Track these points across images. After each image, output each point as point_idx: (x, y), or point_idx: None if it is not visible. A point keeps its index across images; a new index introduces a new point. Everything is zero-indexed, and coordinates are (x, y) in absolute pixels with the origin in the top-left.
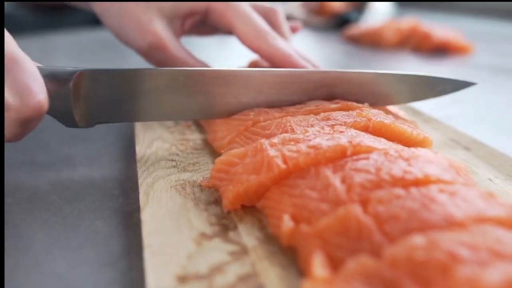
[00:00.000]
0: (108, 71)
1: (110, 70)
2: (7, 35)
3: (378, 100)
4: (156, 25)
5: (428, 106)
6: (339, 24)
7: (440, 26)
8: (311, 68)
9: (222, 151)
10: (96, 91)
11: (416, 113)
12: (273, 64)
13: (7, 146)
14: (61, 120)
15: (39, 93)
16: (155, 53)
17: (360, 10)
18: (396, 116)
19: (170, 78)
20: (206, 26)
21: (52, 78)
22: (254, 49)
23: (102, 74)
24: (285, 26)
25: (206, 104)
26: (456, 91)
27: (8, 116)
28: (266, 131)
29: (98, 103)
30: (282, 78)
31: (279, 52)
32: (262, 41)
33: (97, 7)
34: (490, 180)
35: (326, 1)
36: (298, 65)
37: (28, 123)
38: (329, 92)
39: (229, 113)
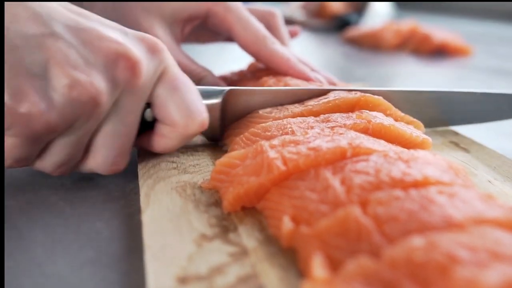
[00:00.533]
0: (251, 90)
1: (253, 89)
2: (170, 55)
3: (460, 119)
4: (157, 30)
5: None
6: (339, 26)
7: (439, 28)
8: (308, 73)
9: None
10: (240, 107)
11: None
12: (271, 68)
13: None
14: (207, 134)
15: (203, 111)
16: None
17: (360, 12)
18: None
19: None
20: (205, 32)
21: (205, 96)
22: (253, 53)
23: (247, 92)
24: (284, 29)
25: None
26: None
27: (173, 130)
28: (267, 133)
29: (238, 118)
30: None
31: (278, 56)
32: (261, 45)
33: (97, 13)
34: (489, 181)
35: (327, 1)
36: (295, 69)
37: (187, 139)
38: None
39: None
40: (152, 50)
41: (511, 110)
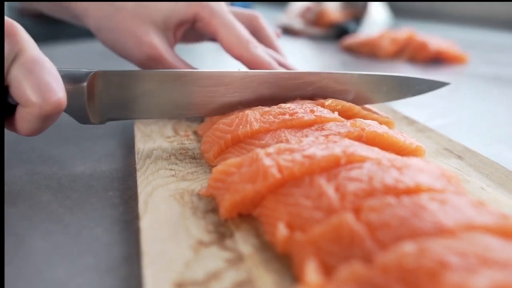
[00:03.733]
0: (118, 72)
1: (120, 72)
2: (29, 39)
3: (358, 100)
4: (151, 37)
5: (422, 115)
6: (337, 34)
7: (435, 36)
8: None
9: (212, 163)
10: (107, 90)
11: (411, 122)
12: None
13: (10, 156)
14: (76, 117)
15: (59, 91)
16: (152, 64)
17: (357, 21)
18: (371, 111)
19: (172, 78)
20: (190, 33)
21: (69, 79)
22: (236, 56)
23: (113, 75)
24: (269, 29)
25: (200, 102)
26: (431, 91)
27: (30, 111)
28: (261, 142)
29: (109, 101)
30: (263, 79)
31: (259, 60)
32: (244, 49)
33: (91, 24)
34: (482, 188)
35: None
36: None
37: (47, 119)
38: (307, 92)
39: (216, 111)
40: (7, 32)
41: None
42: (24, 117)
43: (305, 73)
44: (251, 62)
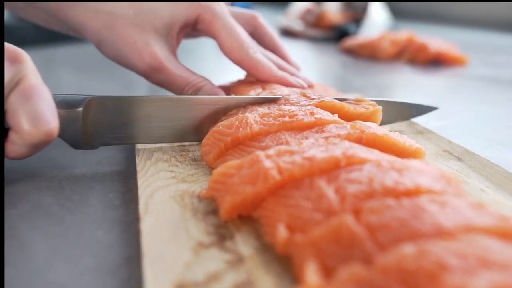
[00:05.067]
0: (114, 97)
1: (116, 97)
2: (33, 68)
3: None
4: (153, 47)
5: (422, 117)
6: (337, 36)
7: (435, 38)
8: (289, 78)
9: (212, 165)
10: (102, 116)
11: (411, 124)
12: (253, 75)
13: None
14: (69, 142)
15: (52, 121)
16: (155, 75)
17: (358, 23)
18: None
19: (168, 104)
20: (190, 31)
21: (65, 104)
22: (236, 61)
23: (109, 100)
24: (269, 27)
25: (194, 128)
26: (421, 115)
27: (21, 138)
28: (261, 144)
29: (103, 127)
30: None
31: (259, 65)
32: (244, 54)
33: (90, 37)
34: (482, 190)
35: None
36: (276, 77)
37: (36, 147)
38: None
39: None
40: (13, 60)
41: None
42: (14, 142)
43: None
44: (251, 67)
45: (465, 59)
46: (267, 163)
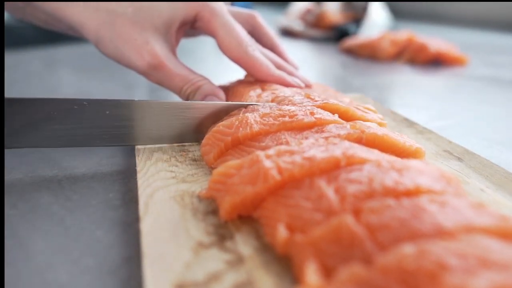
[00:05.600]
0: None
1: (12, 99)
2: None
3: None
4: (152, 45)
5: (422, 117)
6: (337, 36)
7: (435, 38)
8: (286, 78)
9: (212, 165)
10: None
11: (411, 124)
12: (251, 73)
13: (11, 158)
14: None
15: None
16: (154, 73)
17: (358, 23)
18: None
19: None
20: (189, 29)
21: None
22: (234, 59)
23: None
24: (268, 27)
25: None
26: None
27: None
28: (261, 144)
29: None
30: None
31: (257, 64)
32: (242, 52)
33: (90, 35)
34: (482, 190)
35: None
36: (274, 76)
37: None
38: None
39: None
40: None
41: None
42: None
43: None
44: (249, 65)
45: (465, 59)
46: (267, 163)
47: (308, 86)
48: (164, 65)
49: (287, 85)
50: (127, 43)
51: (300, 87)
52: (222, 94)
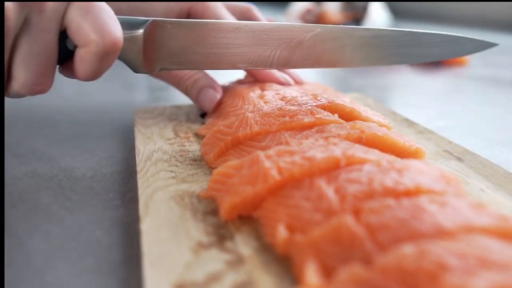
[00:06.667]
0: (175, 21)
1: (178, 21)
2: None
3: (401, 59)
4: None
5: (422, 117)
6: None
7: None
8: (274, 73)
9: (212, 165)
10: (163, 40)
11: (411, 124)
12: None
13: (11, 158)
14: (130, 64)
15: (117, 30)
16: None
17: (357, 23)
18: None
19: (223, 31)
20: None
21: (126, 25)
22: None
23: (171, 24)
24: (264, 19)
25: (249, 55)
26: (479, 51)
27: (88, 50)
28: (262, 144)
29: (164, 51)
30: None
31: None
32: None
33: None
34: (482, 190)
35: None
36: (263, 71)
37: (104, 58)
38: (353, 50)
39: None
40: None
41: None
42: (83, 57)
43: (346, 29)
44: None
45: (465, 60)
46: (267, 163)
47: (298, 82)
48: None
49: (274, 81)
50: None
51: (288, 84)
52: (218, 86)
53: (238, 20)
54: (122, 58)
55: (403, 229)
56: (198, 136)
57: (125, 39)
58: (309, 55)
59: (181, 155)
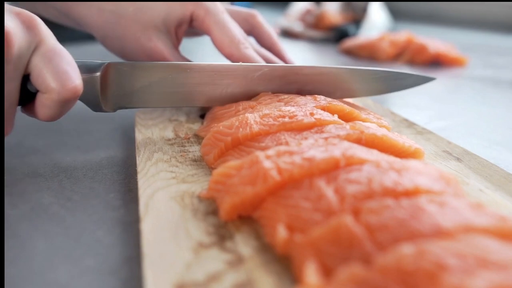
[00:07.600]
0: (129, 63)
1: (131, 63)
2: (48, 31)
3: (344, 93)
4: (155, 42)
5: (421, 118)
6: (337, 37)
7: (435, 38)
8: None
9: (212, 166)
10: (119, 80)
11: (410, 124)
12: None
13: (11, 158)
14: (90, 105)
15: (76, 78)
16: None
17: (357, 24)
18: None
19: (180, 70)
20: (191, 29)
21: (84, 69)
22: (227, 55)
23: (125, 66)
24: (267, 25)
25: (202, 93)
26: (417, 85)
27: (49, 97)
28: (261, 144)
29: (120, 91)
30: (259, 72)
31: (248, 61)
32: (234, 49)
33: (95, 32)
34: (481, 190)
35: None
36: None
37: (65, 105)
38: (299, 87)
39: (219, 102)
40: (27, 24)
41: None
42: (43, 103)
43: (293, 68)
44: (239, 62)
45: (464, 60)
46: (267, 164)
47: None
48: (166, 59)
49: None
50: (132, 42)
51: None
52: None
53: (241, 26)
54: (81, 99)
55: (402, 229)
56: (198, 137)
57: (83, 82)
58: (258, 92)
59: (181, 155)
